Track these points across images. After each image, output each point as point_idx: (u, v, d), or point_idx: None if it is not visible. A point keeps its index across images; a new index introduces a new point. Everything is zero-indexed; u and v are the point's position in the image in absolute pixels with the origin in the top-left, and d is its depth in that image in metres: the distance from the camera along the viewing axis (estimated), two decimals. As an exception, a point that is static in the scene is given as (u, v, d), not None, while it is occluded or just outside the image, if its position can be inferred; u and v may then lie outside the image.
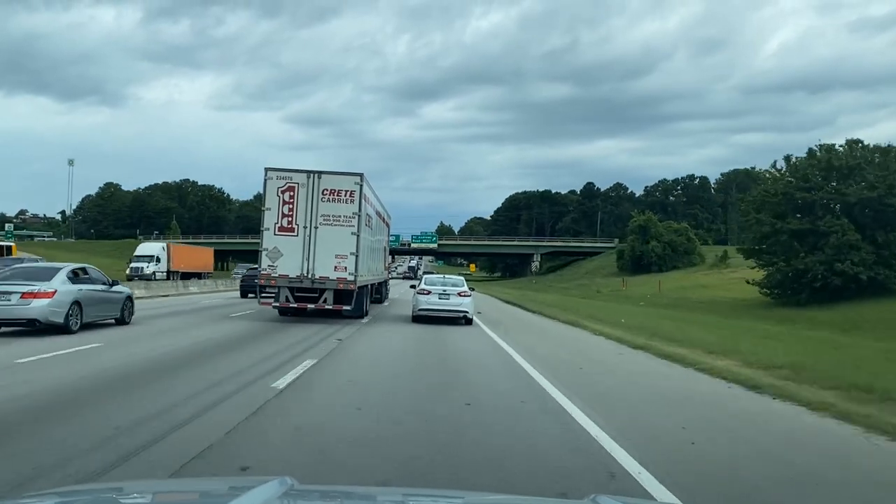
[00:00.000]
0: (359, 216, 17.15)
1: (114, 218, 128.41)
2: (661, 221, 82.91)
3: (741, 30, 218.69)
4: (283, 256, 16.83)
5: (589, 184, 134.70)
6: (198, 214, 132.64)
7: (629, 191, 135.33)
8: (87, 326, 13.57)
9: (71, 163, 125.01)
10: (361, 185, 17.32)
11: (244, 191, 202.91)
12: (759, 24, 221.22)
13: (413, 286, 21.07)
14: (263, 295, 18.06)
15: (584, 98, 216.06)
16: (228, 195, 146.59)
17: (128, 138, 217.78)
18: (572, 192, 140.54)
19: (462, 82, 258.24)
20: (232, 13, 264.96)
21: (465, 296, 18.40)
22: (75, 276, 13.93)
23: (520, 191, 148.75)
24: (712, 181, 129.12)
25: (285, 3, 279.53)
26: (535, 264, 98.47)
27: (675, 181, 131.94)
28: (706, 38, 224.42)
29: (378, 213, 22.14)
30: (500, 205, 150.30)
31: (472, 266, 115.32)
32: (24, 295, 12.55)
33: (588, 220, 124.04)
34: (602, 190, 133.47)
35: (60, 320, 12.79)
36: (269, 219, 16.93)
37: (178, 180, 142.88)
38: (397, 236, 46.88)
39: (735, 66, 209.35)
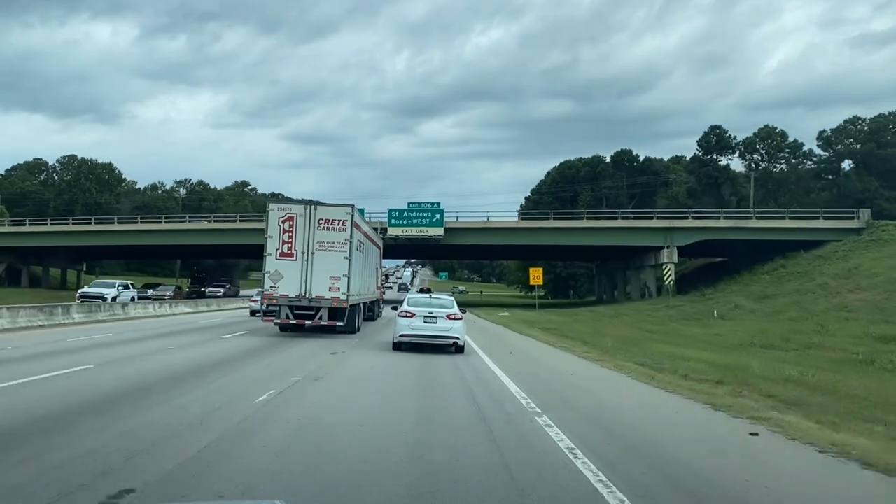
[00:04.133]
0: (350, 242, 19.32)
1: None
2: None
3: (742, 46, 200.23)
4: (283, 279, 19.26)
5: (714, 128, 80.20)
6: (69, 200, 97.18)
7: (790, 140, 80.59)
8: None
9: None
10: (353, 215, 19.61)
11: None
12: (761, 40, 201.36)
13: (395, 307, 17.62)
14: (267, 313, 20.61)
15: (584, 115, 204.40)
16: (121, 173, 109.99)
17: (123, 157, 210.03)
18: (653, 158, 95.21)
19: (461, 99, 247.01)
20: (230, 30, 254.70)
21: (455, 319, 16.12)
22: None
23: (573, 157, 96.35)
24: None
25: (283, 20, 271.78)
26: (670, 267, 48.73)
27: (877, 119, 78.93)
28: (707, 55, 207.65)
29: (370, 238, 24.14)
30: (542, 177, 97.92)
31: (537, 273, 43.23)
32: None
33: (713, 193, 77.17)
34: (737, 140, 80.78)
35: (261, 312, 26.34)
36: (272, 245, 19.34)
37: (59, 158, 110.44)
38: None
39: (736, 83, 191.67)
